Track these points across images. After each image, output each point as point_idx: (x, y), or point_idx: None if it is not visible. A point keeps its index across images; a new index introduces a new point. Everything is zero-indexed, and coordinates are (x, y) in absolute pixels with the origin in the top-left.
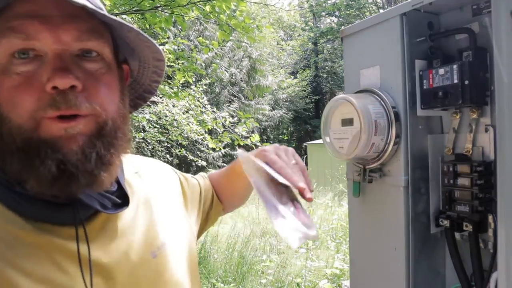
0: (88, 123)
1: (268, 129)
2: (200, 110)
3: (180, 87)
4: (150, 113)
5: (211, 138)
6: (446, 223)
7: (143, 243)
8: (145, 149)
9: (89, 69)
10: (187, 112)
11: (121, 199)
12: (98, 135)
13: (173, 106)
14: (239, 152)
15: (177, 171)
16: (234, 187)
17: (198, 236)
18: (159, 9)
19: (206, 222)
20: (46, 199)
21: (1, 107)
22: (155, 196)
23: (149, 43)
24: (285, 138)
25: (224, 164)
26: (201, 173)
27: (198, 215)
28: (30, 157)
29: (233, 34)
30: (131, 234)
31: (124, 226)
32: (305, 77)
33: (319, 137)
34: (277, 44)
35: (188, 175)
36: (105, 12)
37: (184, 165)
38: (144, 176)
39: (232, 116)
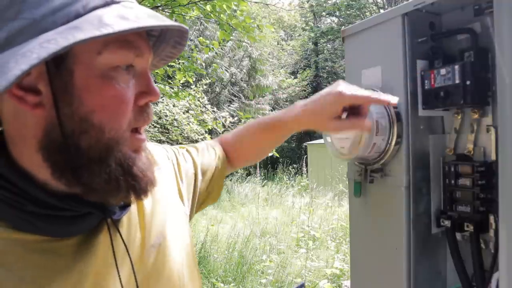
0: (145, 138)
1: None
2: (200, 110)
3: (180, 87)
4: None
5: (211, 138)
6: (447, 223)
7: (139, 243)
8: None
9: None
10: (187, 111)
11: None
12: (147, 149)
13: (174, 105)
14: None
15: (171, 150)
16: (263, 142)
17: (197, 210)
18: (160, 8)
19: (205, 197)
20: (58, 214)
21: (93, 114)
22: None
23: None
24: None
25: None
26: (208, 142)
27: (194, 196)
28: (119, 169)
29: (234, 34)
30: (129, 233)
31: (124, 229)
32: (306, 77)
33: (319, 137)
34: (278, 44)
35: (183, 151)
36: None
37: None
38: None
39: (232, 116)
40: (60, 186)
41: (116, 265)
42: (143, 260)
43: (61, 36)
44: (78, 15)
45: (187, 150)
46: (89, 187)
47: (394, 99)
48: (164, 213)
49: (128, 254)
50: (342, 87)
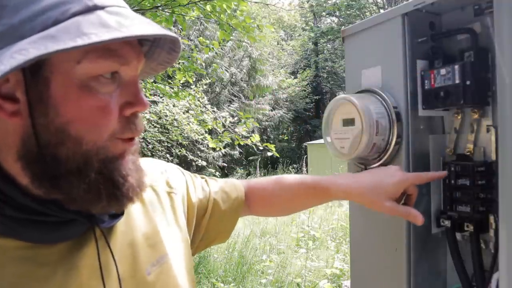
0: (136, 143)
1: (268, 129)
2: (201, 110)
3: (180, 87)
4: (150, 112)
5: (211, 138)
6: (447, 223)
7: (134, 257)
8: (145, 149)
9: None
10: (187, 112)
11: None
12: (136, 153)
13: (174, 106)
14: None
15: (189, 176)
16: (296, 200)
17: (203, 247)
18: (160, 8)
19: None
20: (41, 220)
21: (70, 125)
22: (154, 202)
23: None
24: (285, 138)
25: (225, 164)
26: (232, 180)
27: (198, 228)
28: (98, 178)
29: (234, 34)
30: (122, 246)
31: (116, 241)
32: (305, 77)
33: (319, 137)
34: (278, 44)
35: (202, 181)
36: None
37: (184, 165)
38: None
39: (232, 116)
40: (41, 193)
41: (102, 279)
42: (136, 277)
43: (33, 47)
44: (56, 22)
45: (206, 181)
46: (69, 196)
47: (443, 173)
48: (167, 233)
49: (116, 268)
50: (401, 170)
